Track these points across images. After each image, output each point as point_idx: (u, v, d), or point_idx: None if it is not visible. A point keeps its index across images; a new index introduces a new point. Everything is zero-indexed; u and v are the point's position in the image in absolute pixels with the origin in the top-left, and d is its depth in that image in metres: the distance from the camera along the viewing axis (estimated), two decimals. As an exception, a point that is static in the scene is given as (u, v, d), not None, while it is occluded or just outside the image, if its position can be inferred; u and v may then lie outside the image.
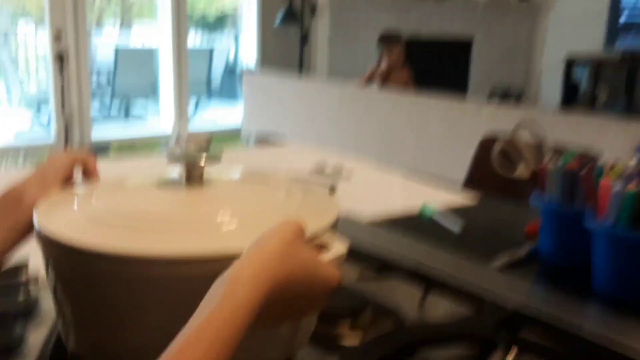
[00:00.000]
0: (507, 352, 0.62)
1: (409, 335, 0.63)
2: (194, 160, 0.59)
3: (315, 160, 1.51)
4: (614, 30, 5.31)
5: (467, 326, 0.66)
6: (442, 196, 1.24)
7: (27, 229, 0.57)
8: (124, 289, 0.47)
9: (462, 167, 1.90)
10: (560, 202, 0.83)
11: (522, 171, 0.85)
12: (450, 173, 1.47)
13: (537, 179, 0.84)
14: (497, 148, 0.86)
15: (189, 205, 0.58)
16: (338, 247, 0.48)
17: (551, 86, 5.59)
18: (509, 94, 5.54)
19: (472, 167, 1.70)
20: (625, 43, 5.26)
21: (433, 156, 2.93)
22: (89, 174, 0.65)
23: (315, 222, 0.51)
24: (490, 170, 1.65)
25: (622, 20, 5.28)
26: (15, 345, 0.60)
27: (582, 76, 5.37)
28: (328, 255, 0.47)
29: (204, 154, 0.59)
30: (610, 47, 5.30)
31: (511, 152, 0.87)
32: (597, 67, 5.28)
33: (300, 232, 0.46)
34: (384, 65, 3.97)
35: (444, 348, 0.64)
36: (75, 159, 0.64)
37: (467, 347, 0.65)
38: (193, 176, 0.59)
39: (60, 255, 0.50)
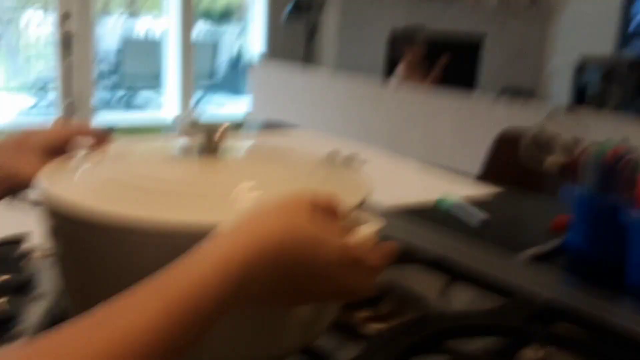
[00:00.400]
0: (539, 345, 0.57)
1: (436, 324, 0.58)
2: (212, 129, 0.54)
3: (325, 148, 1.46)
4: (625, 35, 5.27)
5: (497, 318, 0.61)
6: (459, 188, 1.19)
7: None
8: (131, 261, 0.42)
9: (471, 163, 1.85)
10: (595, 195, 0.78)
11: (552, 163, 0.81)
12: (459, 170, 1.42)
13: (567, 171, 0.80)
14: (526, 140, 0.81)
15: (204, 175, 0.53)
16: (372, 224, 0.42)
17: (560, 89, 5.54)
18: (518, 95, 5.49)
19: (487, 163, 1.65)
20: (637, 48, 5.21)
21: (442, 152, 2.88)
22: (97, 146, 0.58)
23: (344, 198, 0.46)
24: (505, 167, 1.61)
25: (631, 28, 5.25)
26: (10, 321, 0.56)
27: (593, 79, 5.33)
28: (362, 232, 0.41)
29: (223, 124, 0.54)
30: (622, 52, 5.27)
31: (541, 144, 0.82)
32: (608, 71, 5.24)
33: (313, 205, 0.40)
34: (402, 66, 3.87)
35: (471, 340, 0.59)
36: (71, 133, 0.57)
37: (495, 340, 0.60)
38: (210, 146, 0.54)
39: (66, 224, 0.45)
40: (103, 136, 0.58)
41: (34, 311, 0.57)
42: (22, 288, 0.62)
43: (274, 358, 0.45)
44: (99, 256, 0.44)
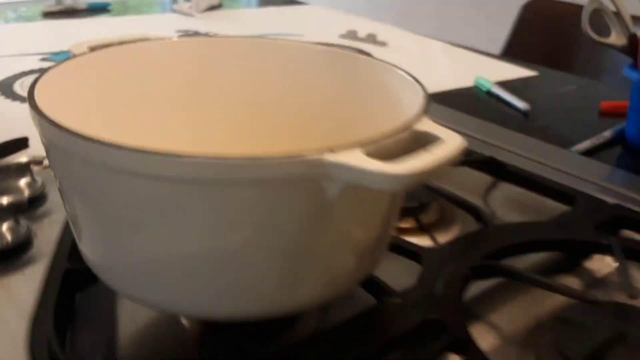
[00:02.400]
0: (617, 256, 0.50)
1: (493, 242, 0.52)
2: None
3: (337, 26, 1.35)
4: None
5: (561, 230, 0.54)
6: (495, 67, 1.10)
7: None
8: (135, 191, 0.34)
9: (490, 37, 1.73)
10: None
11: (616, 37, 0.72)
12: (475, 44, 1.31)
13: (634, 47, 0.71)
14: (587, 10, 0.71)
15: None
16: (453, 139, 0.31)
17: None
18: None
19: (512, 37, 1.53)
20: None
21: (457, 26, 2.72)
22: None
23: (399, 105, 0.37)
24: (534, 40, 1.49)
25: None
26: (21, 245, 0.50)
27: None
28: (441, 152, 0.29)
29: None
30: None
31: (604, 15, 0.72)
32: None
33: None
34: None
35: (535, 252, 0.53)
36: None
37: (553, 254, 0.54)
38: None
39: (62, 147, 0.35)
40: None
41: (47, 234, 0.51)
42: (31, 205, 0.56)
43: (334, 294, 0.39)
44: (99, 187, 0.35)
